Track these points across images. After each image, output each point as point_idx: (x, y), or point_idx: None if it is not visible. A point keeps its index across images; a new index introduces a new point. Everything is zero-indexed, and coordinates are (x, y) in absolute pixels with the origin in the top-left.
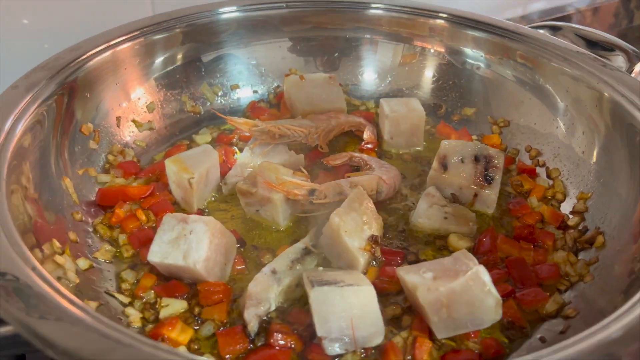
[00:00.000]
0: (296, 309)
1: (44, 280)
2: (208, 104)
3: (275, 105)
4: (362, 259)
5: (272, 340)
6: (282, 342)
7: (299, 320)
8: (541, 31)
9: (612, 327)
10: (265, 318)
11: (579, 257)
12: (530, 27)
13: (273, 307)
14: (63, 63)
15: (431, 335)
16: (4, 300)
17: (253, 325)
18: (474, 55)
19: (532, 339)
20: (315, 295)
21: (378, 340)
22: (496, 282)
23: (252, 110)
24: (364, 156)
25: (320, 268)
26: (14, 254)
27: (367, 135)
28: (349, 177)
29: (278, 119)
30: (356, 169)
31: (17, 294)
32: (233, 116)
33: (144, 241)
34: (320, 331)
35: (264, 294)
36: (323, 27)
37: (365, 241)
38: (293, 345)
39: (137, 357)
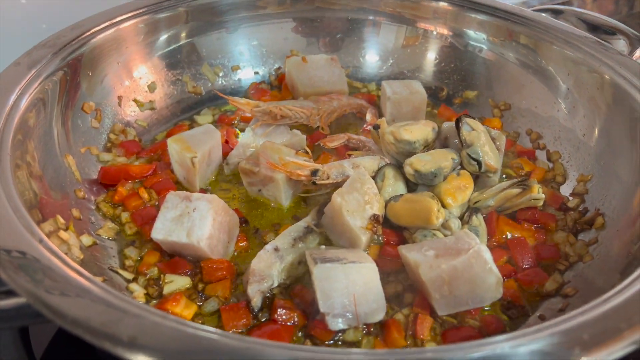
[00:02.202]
0: (299, 285)
1: (52, 253)
2: (209, 84)
3: (276, 86)
4: (364, 237)
5: (275, 316)
6: (285, 317)
7: (301, 297)
8: (543, 14)
9: (609, 303)
10: (268, 294)
11: (579, 238)
12: (532, 10)
13: (276, 284)
14: (65, 41)
15: (432, 313)
16: (14, 272)
17: (256, 301)
18: (477, 38)
19: (532, 317)
20: (319, 272)
21: (380, 316)
22: (497, 262)
23: (254, 91)
24: (362, 137)
25: (323, 246)
26: (22, 229)
27: (369, 117)
28: (350, 155)
29: (279, 100)
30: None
31: (27, 267)
32: (233, 97)
33: (147, 219)
34: (323, 307)
35: (267, 270)
36: (326, 8)
37: (367, 220)
38: (296, 321)
39: (146, 326)
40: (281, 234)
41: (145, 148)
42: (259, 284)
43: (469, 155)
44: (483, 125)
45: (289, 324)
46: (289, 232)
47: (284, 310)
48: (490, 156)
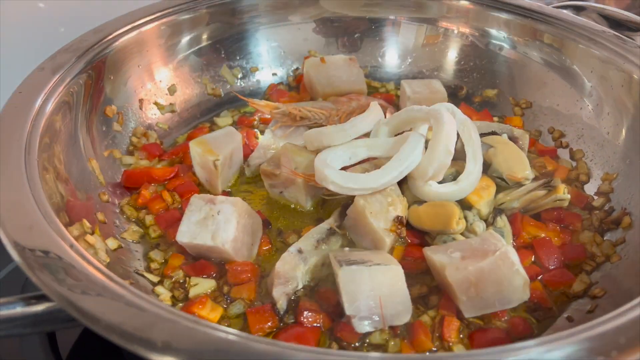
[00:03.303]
0: (324, 288)
1: (82, 257)
2: (228, 86)
3: (294, 87)
4: (387, 239)
5: (301, 318)
6: (311, 320)
7: (326, 299)
8: (565, 11)
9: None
10: (293, 297)
11: (605, 238)
12: (553, 6)
13: (300, 286)
14: (88, 45)
15: (459, 315)
16: (46, 276)
17: (282, 303)
18: (498, 36)
19: (560, 319)
20: (344, 275)
21: (406, 318)
22: (523, 263)
23: (272, 92)
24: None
25: (346, 248)
26: (53, 233)
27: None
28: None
29: (298, 101)
30: None
31: (59, 271)
32: (255, 99)
33: (171, 222)
34: (349, 310)
35: (292, 272)
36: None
37: (391, 222)
38: (322, 323)
39: (179, 331)
40: (304, 236)
41: (167, 151)
42: (284, 286)
43: (493, 175)
44: (505, 123)
45: (314, 325)
46: (311, 234)
47: (309, 313)
48: (513, 168)
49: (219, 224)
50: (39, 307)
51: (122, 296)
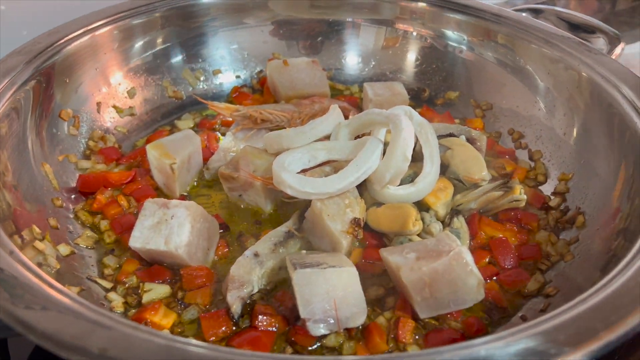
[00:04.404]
0: (281, 291)
1: (23, 265)
2: (190, 89)
3: (258, 90)
4: (344, 241)
5: (256, 322)
6: (266, 324)
7: (283, 302)
8: (524, 14)
9: (588, 302)
10: (248, 301)
11: (560, 237)
12: (513, 9)
13: (256, 290)
14: (41, 47)
15: (414, 316)
16: None
17: (236, 308)
18: (457, 38)
19: (514, 318)
20: (298, 278)
21: (361, 320)
22: (479, 263)
23: (236, 95)
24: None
25: (304, 251)
26: None
27: None
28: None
29: (262, 104)
30: None
31: None
32: (216, 101)
33: (126, 227)
34: (303, 313)
35: (247, 276)
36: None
37: (348, 224)
38: (277, 327)
39: (117, 338)
40: (261, 240)
41: (125, 154)
42: (238, 290)
43: (450, 177)
44: (466, 125)
45: (269, 329)
46: (269, 237)
47: (264, 317)
48: (470, 170)
49: (172, 229)
50: None
51: (59, 303)
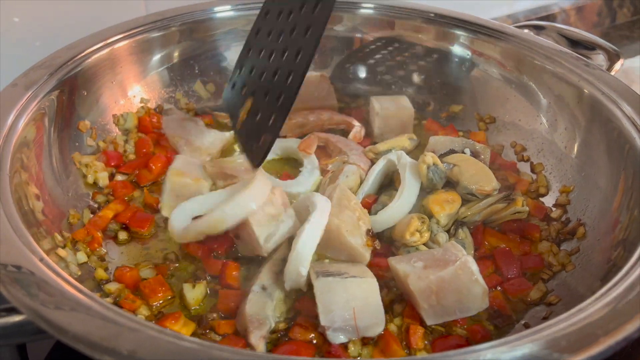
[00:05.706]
0: (305, 297)
1: (51, 270)
2: (201, 101)
3: None
4: (367, 254)
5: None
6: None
7: (307, 310)
8: (526, 31)
9: (588, 310)
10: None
11: (561, 248)
12: (515, 26)
13: (273, 325)
14: (61, 61)
15: (422, 322)
16: (16, 289)
17: (262, 348)
18: (461, 54)
19: (518, 325)
20: (320, 285)
21: (379, 330)
22: (484, 272)
23: None
24: (331, 137)
25: (327, 260)
26: (23, 247)
27: (351, 134)
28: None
29: None
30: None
31: (28, 285)
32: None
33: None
34: (324, 320)
35: (262, 312)
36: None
37: (365, 236)
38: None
39: (144, 340)
40: (262, 272)
41: (127, 162)
42: (260, 330)
43: (464, 193)
44: (470, 138)
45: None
46: (268, 267)
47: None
48: (481, 182)
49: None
50: (8, 320)
51: (88, 307)
